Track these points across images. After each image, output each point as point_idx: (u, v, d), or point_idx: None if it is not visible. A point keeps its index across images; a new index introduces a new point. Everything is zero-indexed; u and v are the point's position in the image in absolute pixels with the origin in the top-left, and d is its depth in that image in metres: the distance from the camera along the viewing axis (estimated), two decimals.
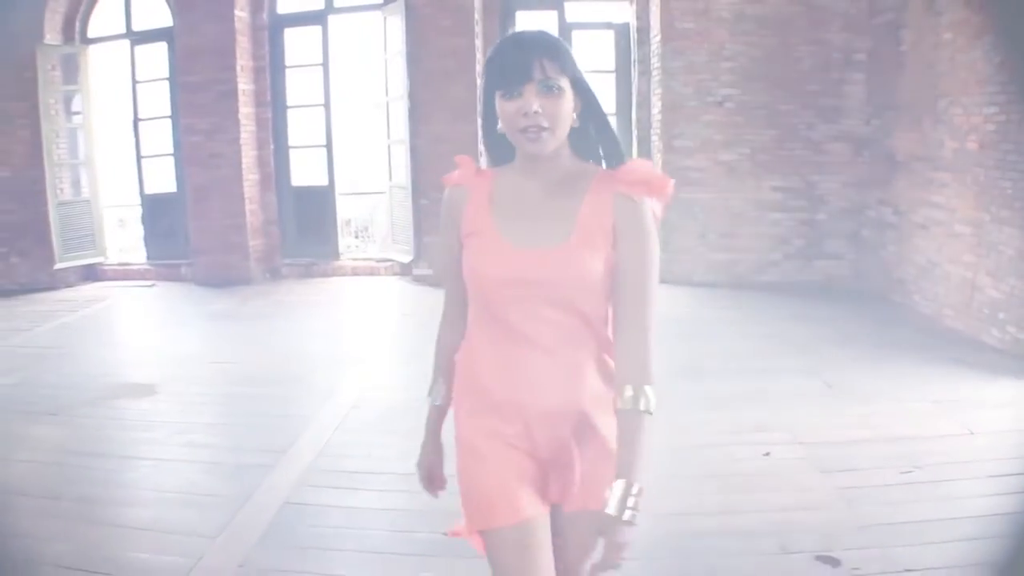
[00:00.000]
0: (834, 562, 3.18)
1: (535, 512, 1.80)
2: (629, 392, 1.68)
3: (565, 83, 1.70)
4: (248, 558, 3.31)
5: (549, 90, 1.68)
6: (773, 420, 4.71)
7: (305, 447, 4.47)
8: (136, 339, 7.72)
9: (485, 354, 1.83)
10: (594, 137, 1.82)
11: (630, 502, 1.62)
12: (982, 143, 6.44)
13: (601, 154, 1.84)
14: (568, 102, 1.72)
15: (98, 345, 7.21)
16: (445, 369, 1.97)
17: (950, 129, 6.93)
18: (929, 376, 5.50)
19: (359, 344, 6.96)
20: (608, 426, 1.76)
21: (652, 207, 1.76)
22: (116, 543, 3.47)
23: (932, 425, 4.64)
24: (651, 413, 1.68)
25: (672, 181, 1.78)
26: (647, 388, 1.68)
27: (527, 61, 1.68)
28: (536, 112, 1.67)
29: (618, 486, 1.63)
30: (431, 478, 2.07)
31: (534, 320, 1.75)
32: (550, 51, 1.70)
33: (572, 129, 1.75)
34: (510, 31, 1.58)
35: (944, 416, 4.77)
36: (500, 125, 1.76)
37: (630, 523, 1.61)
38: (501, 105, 1.72)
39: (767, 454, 4.24)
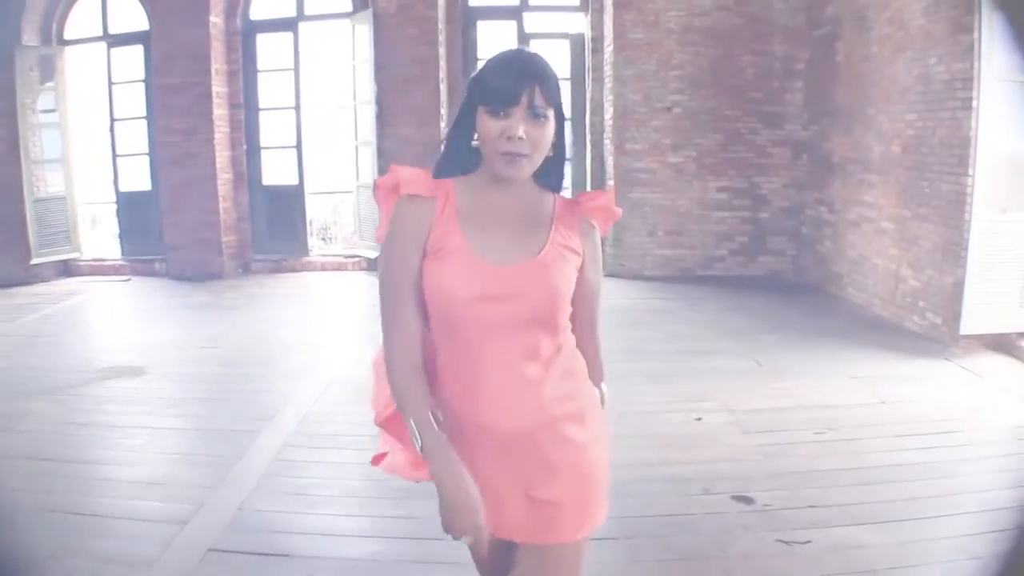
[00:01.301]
0: (748, 500, 3.73)
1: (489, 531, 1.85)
2: (598, 392, 1.93)
3: (551, 113, 1.72)
4: (245, 503, 3.77)
5: (536, 117, 1.70)
6: (706, 392, 5.25)
7: (288, 416, 4.92)
8: (119, 328, 8.02)
9: (448, 377, 1.80)
10: (547, 163, 1.82)
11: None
12: (904, 147, 7.04)
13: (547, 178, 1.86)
14: (551, 131, 1.74)
15: (83, 333, 7.56)
16: (425, 393, 1.79)
17: (877, 134, 7.53)
18: (852, 357, 6.06)
19: (331, 331, 7.35)
20: (580, 434, 1.82)
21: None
22: (125, 495, 3.90)
23: (848, 396, 5.21)
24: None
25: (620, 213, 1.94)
26: (604, 386, 1.96)
27: (520, 87, 1.68)
28: (520, 138, 1.68)
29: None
30: (479, 515, 1.77)
31: (499, 338, 1.74)
32: (543, 79, 1.71)
33: None
34: (503, 47, 1.69)
35: (859, 389, 5.34)
36: (476, 138, 1.75)
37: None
38: (485, 120, 1.71)
39: (699, 419, 4.79)
